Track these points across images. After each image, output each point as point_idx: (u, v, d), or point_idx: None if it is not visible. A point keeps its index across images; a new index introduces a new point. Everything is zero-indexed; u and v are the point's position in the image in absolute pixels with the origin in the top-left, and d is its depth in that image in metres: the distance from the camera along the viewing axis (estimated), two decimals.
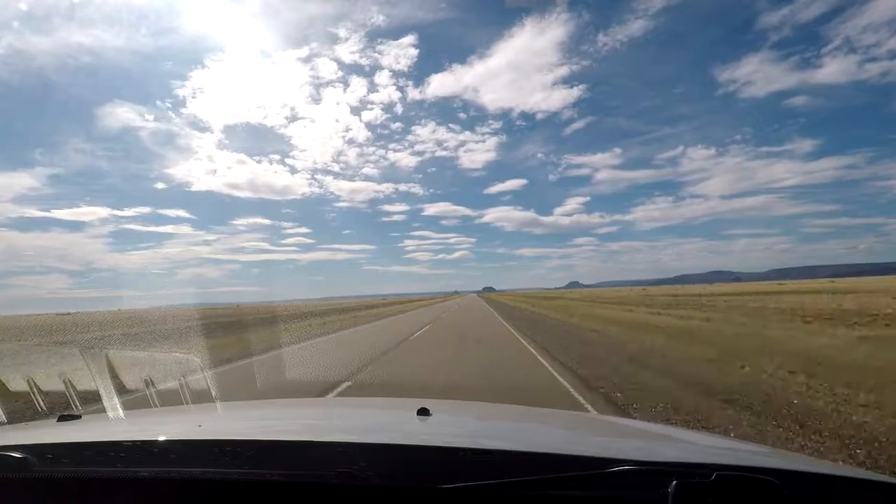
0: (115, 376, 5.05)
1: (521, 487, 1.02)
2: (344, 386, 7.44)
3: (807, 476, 1.09)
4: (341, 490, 1.09)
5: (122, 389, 4.96)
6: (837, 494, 1.05)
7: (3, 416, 2.79)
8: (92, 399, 3.56)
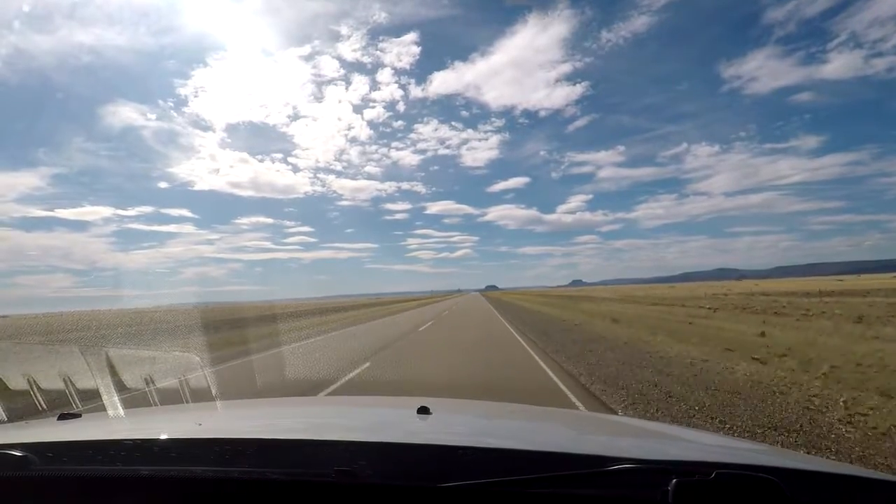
0: (114, 374, 5.06)
1: (521, 486, 1.01)
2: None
3: (807, 475, 1.09)
4: (341, 489, 1.08)
5: (121, 387, 4.97)
6: (838, 493, 1.04)
7: (4, 415, 2.79)
8: (92, 397, 3.56)
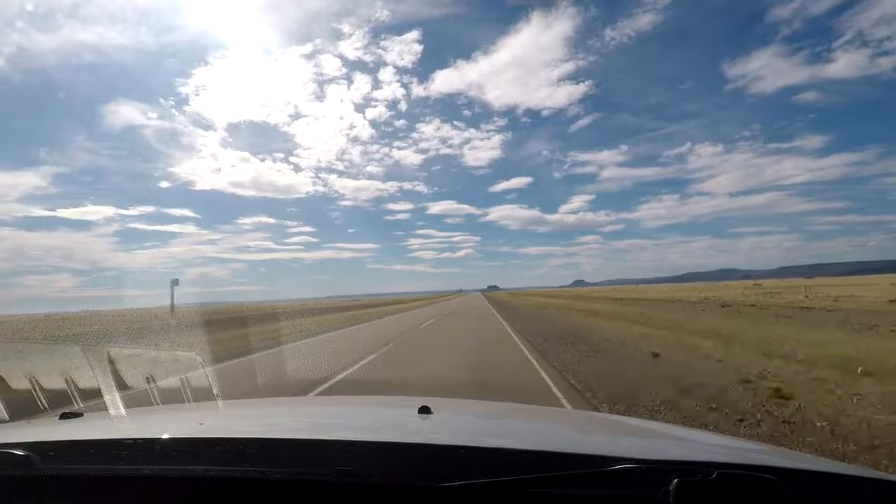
0: (115, 373, 5.07)
1: (522, 485, 1.01)
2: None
3: (809, 475, 1.08)
4: (343, 488, 1.08)
5: (122, 386, 4.97)
6: (839, 493, 1.04)
7: (6, 414, 2.80)
8: (93, 396, 3.57)
